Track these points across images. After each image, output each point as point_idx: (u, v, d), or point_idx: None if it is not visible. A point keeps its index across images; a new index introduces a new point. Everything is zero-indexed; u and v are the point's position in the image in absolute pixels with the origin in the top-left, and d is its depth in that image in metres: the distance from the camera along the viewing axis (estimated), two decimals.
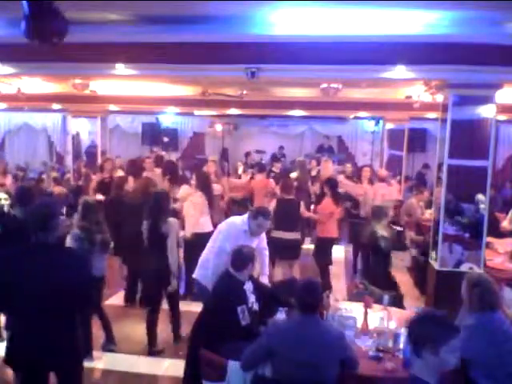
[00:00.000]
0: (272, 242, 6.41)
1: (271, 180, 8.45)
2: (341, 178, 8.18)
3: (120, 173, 8.69)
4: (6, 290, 2.91)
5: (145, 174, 8.77)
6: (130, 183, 7.51)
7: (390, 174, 10.01)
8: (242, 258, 3.88)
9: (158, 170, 8.95)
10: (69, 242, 4.60)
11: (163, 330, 5.58)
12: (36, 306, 2.93)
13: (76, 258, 3.22)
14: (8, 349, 3.07)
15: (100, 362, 4.57)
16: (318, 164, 10.24)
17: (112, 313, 5.32)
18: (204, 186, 6.44)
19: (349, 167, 10.05)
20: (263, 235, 4.79)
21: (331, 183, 7.00)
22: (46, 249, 3.03)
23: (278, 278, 6.39)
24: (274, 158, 12.82)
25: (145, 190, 6.27)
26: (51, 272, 2.95)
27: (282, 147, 14.31)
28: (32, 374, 3.08)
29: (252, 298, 3.95)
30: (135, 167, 8.54)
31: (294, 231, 6.52)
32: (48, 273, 2.94)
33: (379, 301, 4.31)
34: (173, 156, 13.57)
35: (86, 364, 4.59)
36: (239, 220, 4.64)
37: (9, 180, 8.76)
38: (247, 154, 13.32)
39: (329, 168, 9.19)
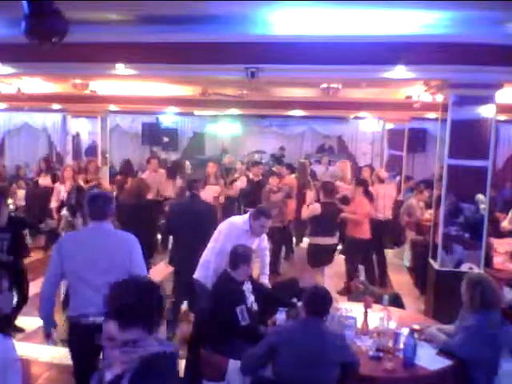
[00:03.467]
0: (313, 249, 6.37)
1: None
2: (338, 183, 8.05)
3: None
4: (173, 225, 5.49)
5: (148, 173, 8.83)
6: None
7: (391, 173, 9.98)
8: (236, 257, 3.88)
9: (162, 171, 9.03)
10: None
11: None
12: (189, 234, 5.09)
13: (210, 207, 5.73)
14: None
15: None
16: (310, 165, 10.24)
17: None
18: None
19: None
20: (264, 235, 4.79)
21: (363, 183, 7.00)
22: (194, 203, 5.35)
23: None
24: (277, 160, 12.77)
25: (138, 190, 6.25)
26: (195, 212, 5.20)
27: (282, 148, 14.27)
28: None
29: (251, 298, 3.95)
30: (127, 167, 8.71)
31: (334, 236, 6.46)
32: (196, 214, 5.19)
33: (379, 301, 4.31)
34: (173, 156, 13.59)
35: None
36: (240, 220, 4.65)
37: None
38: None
39: (347, 168, 9.12)
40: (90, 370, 2.91)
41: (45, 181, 9.35)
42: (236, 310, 3.71)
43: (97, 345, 2.92)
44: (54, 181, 9.08)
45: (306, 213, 6.54)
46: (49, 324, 3.39)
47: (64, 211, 5.43)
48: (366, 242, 6.86)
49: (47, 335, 3.40)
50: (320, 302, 3.15)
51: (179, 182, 8.75)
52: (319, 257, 6.35)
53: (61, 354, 4.89)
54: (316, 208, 6.36)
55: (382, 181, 7.79)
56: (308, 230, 6.65)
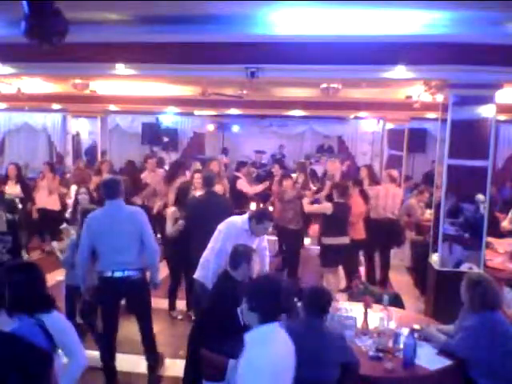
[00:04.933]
0: (326, 249, 6.36)
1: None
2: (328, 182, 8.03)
3: None
4: (192, 217, 5.62)
5: (147, 174, 8.82)
6: None
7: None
8: (237, 256, 3.88)
9: (160, 171, 9.01)
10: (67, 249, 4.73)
11: (164, 329, 5.59)
12: (202, 222, 5.25)
13: (224, 199, 6.20)
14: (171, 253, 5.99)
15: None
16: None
17: None
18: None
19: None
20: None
21: (359, 184, 6.98)
22: (211, 195, 5.71)
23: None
24: (277, 161, 12.79)
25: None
26: (212, 205, 5.53)
27: (282, 146, 14.27)
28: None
29: None
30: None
31: (346, 235, 6.43)
32: (211, 205, 5.55)
33: (379, 301, 4.31)
34: (173, 156, 13.59)
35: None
36: (239, 220, 4.65)
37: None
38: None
39: (336, 168, 9.09)
40: (114, 318, 4.33)
41: (14, 189, 8.11)
42: (236, 310, 3.70)
43: (118, 294, 4.28)
44: (24, 190, 8.22)
45: (310, 208, 6.54)
46: (84, 281, 4.36)
47: (64, 225, 5.47)
48: (362, 242, 6.86)
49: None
50: (320, 301, 3.15)
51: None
52: (332, 257, 6.34)
53: None
54: (326, 207, 6.32)
55: (394, 180, 7.73)
56: (320, 230, 6.61)
